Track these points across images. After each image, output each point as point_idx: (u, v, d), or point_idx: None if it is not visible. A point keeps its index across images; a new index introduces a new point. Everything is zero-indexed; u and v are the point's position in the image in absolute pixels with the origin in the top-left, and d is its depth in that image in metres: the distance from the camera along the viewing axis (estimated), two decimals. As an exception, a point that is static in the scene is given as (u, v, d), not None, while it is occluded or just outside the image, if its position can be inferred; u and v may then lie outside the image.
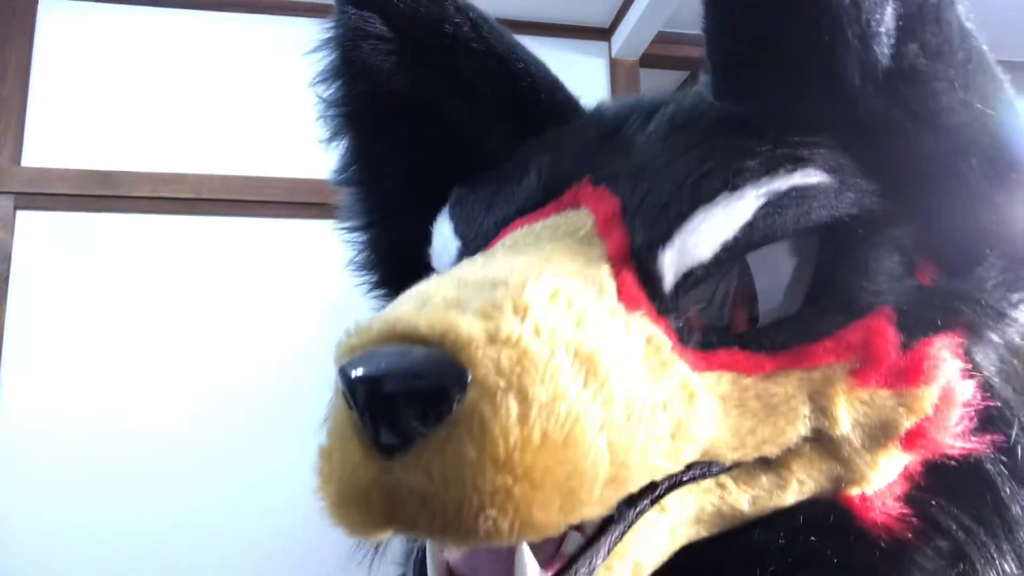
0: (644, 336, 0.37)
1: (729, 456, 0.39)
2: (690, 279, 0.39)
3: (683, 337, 0.39)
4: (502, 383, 0.31)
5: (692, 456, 0.38)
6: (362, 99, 0.54)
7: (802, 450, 0.41)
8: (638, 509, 0.38)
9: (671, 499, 0.39)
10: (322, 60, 0.53)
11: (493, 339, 0.32)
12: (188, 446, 1.73)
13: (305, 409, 1.92)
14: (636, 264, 0.39)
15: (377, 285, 0.61)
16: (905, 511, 0.42)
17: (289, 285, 1.83)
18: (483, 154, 0.54)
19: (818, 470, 0.41)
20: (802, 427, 0.40)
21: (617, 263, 0.39)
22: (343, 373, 0.32)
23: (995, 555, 0.42)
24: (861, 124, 0.42)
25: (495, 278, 0.35)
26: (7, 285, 1.73)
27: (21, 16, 1.85)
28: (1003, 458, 0.43)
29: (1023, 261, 0.45)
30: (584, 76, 2.07)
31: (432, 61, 0.53)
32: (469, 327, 0.31)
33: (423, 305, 0.34)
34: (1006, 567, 0.42)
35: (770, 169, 0.40)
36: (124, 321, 1.76)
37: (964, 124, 0.42)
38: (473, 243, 0.47)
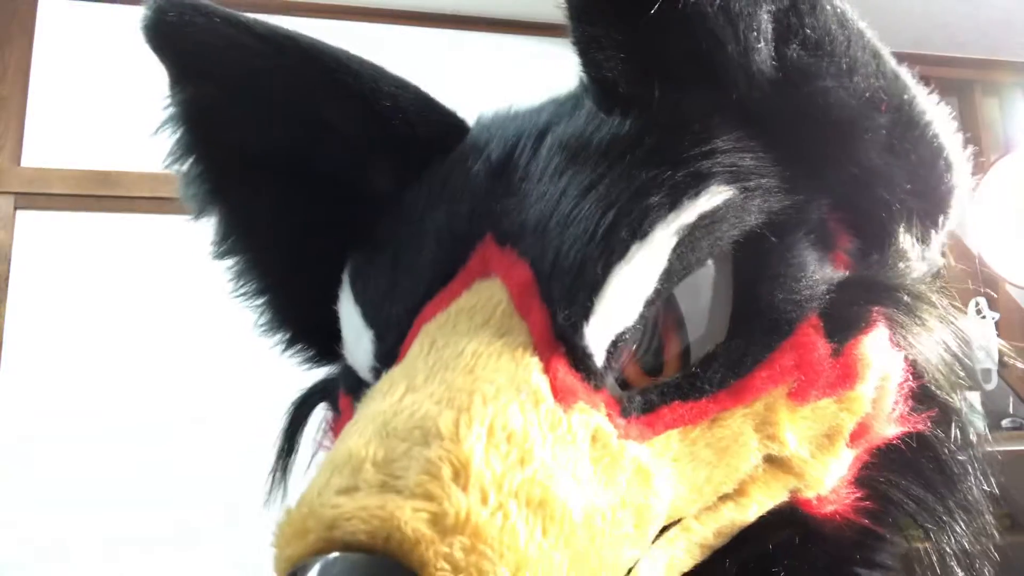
0: (589, 435, 0.36)
1: (691, 510, 0.39)
2: (619, 344, 0.38)
3: (624, 407, 0.38)
4: None
5: (657, 529, 0.38)
6: (222, 170, 0.51)
7: (756, 474, 0.41)
8: None
9: (642, 565, 0.38)
10: (168, 139, 0.50)
11: (442, 529, 0.30)
12: (188, 446, 1.73)
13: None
14: (564, 347, 0.37)
15: (291, 343, 0.58)
16: (858, 494, 0.43)
17: (289, 285, 1.83)
18: (370, 198, 0.51)
19: (774, 487, 0.41)
20: (753, 458, 0.40)
21: (544, 350, 0.37)
22: None
23: (945, 518, 0.43)
24: (755, 122, 0.42)
25: (424, 425, 0.33)
26: (7, 285, 1.73)
27: (21, 16, 1.86)
28: (939, 429, 0.44)
29: (928, 234, 0.46)
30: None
31: (287, 116, 0.50)
32: (412, 523, 0.29)
33: (355, 484, 0.31)
34: (957, 528, 0.43)
35: (675, 201, 0.38)
36: (124, 321, 1.77)
37: (855, 113, 0.42)
38: (387, 337, 0.44)
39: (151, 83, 1.68)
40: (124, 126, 1.84)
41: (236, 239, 0.54)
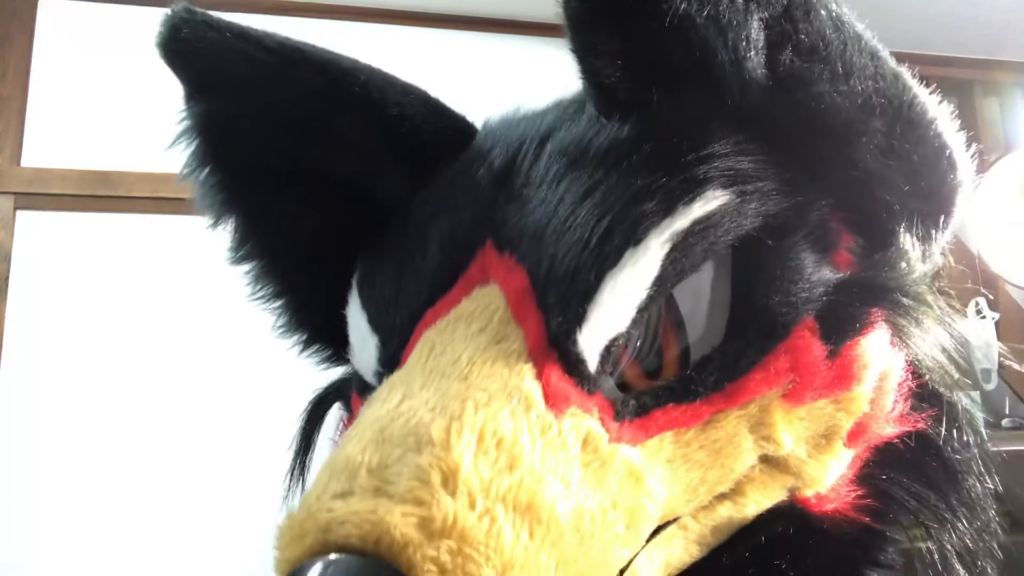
0: (580, 439, 0.36)
1: (685, 509, 0.40)
2: (613, 349, 0.39)
3: (618, 411, 0.38)
4: None
5: (651, 529, 0.38)
6: (236, 180, 0.52)
7: (753, 474, 0.41)
8: None
9: (639, 562, 0.39)
10: (185, 150, 0.52)
11: (429, 532, 0.31)
12: (188, 446, 1.73)
13: (303, 407, 1.92)
14: (557, 353, 0.38)
15: (307, 344, 0.59)
16: (859, 492, 0.43)
17: (289, 285, 1.83)
18: (380, 205, 0.52)
19: (772, 487, 0.42)
20: (748, 459, 0.40)
21: (538, 356, 0.38)
22: None
23: (947, 516, 0.43)
24: (753, 126, 0.42)
25: (418, 432, 0.34)
26: (7, 285, 1.73)
27: (21, 16, 1.86)
28: (939, 428, 0.44)
29: (929, 234, 0.46)
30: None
31: (297, 127, 0.51)
32: (402, 526, 0.31)
33: (350, 489, 0.33)
34: (959, 525, 0.43)
35: (669, 208, 0.39)
36: (124, 321, 1.77)
37: (852, 116, 0.42)
38: (391, 343, 0.45)
39: (151, 83, 1.67)
40: (124, 126, 1.84)
41: (252, 245, 0.55)
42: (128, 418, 1.73)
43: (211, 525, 1.71)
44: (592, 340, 0.38)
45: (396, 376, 0.40)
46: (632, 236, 0.38)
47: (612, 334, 0.38)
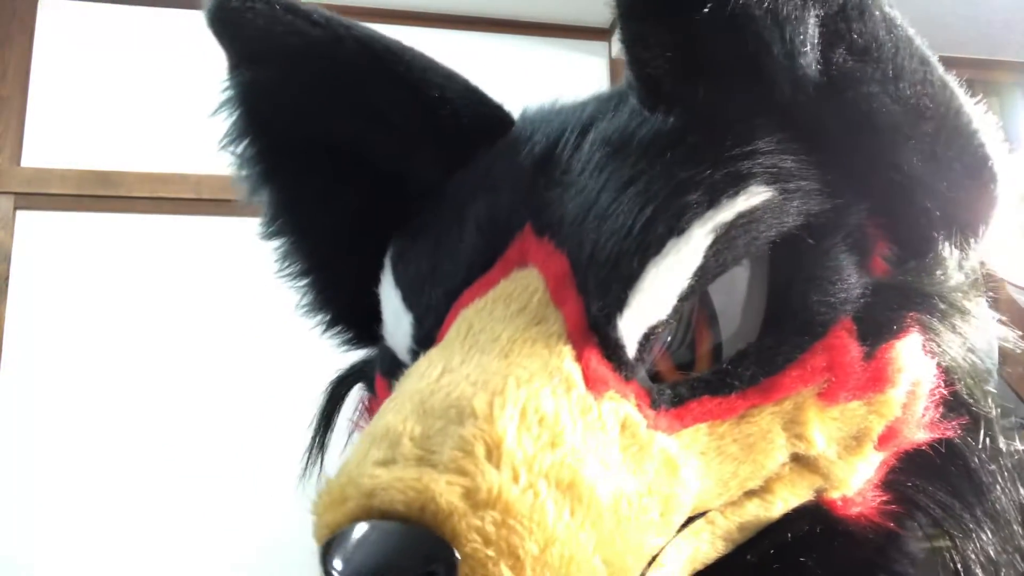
0: (619, 423, 0.37)
1: (716, 503, 0.40)
2: (652, 337, 0.39)
3: (654, 399, 0.38)
4: (491, 552, 0.30)
5: (682, 519, 0.38)
6: (274, 153, 0.53)
7: (782, 472, 0.41)
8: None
9: (666, 554, 0.39)
10: (225, 121, 0.52)
11: (474, 503, 0.31)
12: (187, 446, 1.73)
13: (304, 409, 1.92)
14: (597, 337, 0.38)
15: (331, 324, 0.60)
16: (884, 497, 0.43)
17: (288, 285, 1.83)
18: (414, 186, 0.53)
19: (800, 487, 0.42)
20: (780, 456, 0.40)
21: (577, 339, 0.38)
22: (327, 569, 0.31)
23: (972, 526, 0.43)
24: (797, 125, 0.42)
25: (460, 404, 0.34)
26: (7, 285, 1.73)
27: (21, 16, 1.86)
28: (969, 436, 0.44)
29: (968, 242, 0.45)
30: (584, 76, 2.07)
31: (340, 103, 0.51)
32: (447, 496, 0.31)
33: (392, 457, 0.33)
34: (983, 536, 0.43)
35: (713, 200, 0.39)
36: (124, 321, 1.76)
37: (900, 120, 0.42)
38: (426, 321, 0.46)
39: (151, 83, 1.68)
40: (124, 126, 1.84)
41: (284, 220, 0.56)
42: (128, 418, 1.72)
43: (211, 524, 1.71)
44: (632, 326, 0.38)
45: (434, 351, 0.41)
46: (676, 225, 0.38)
47: (652, 321, 0.39)
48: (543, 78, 1.94)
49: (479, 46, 2.12)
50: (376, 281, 0.51)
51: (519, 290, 0.41)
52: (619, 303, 0.38)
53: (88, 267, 1.78)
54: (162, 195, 1.82)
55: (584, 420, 0.36)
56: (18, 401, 1.70)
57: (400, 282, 0.49)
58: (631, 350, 0.38)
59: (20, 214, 1.78)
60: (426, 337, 0.45)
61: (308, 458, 0.59)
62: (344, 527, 0.32)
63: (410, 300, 0.47)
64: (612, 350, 0.38)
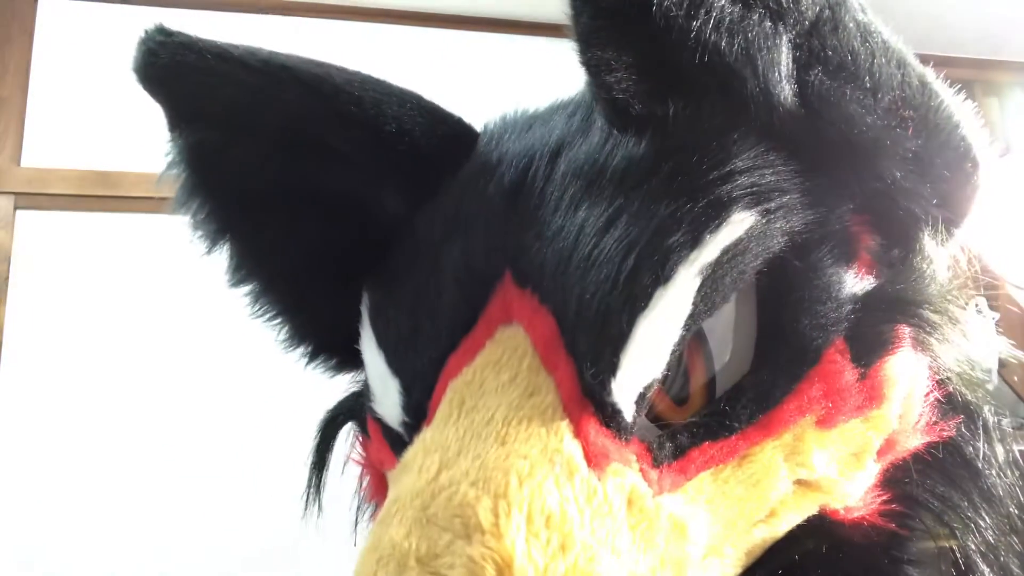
0: (625, 500, 0.36)
1: (726, 544, 0.39)
2: (647, 395, 0.38)
3: (656, 456, 0.37)
4: None
5: (698, 574, 0.38)
6: (228, 207, 0.51)
7: (786, 497, 0.41)
8: None
9: None
10: (174, 183, 0.50)
11: None
12: (187, 446, 1.73)
13: (304, 408, 1.92)
14: (592, 405, 0.37)
15: (313, 355, 0.58)
16: (884, 496, 0.43)
17: (289, 285, 1.83)
18: (382, 218, 0.51)
19: (804, 506, 0.42)
20: (783, 485, 0.40)
21: (573, 410, 0.37)
22: None
23: (970, 514, 0.42)
24: (775, 137, 0.41)
25: (464, 514, 0.34)
26: (7, 285, 1.73)
27: (21, 16, 1.86)
28: (965, 430, 0.44)
29: (956, 243, 0.45)
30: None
31: (292, 149, 0.49)
32: None
33: None
34: (981, 523, 0.42)
35: (696, 238, 0.37)
36: (124, 321, 1.76)
37: (879, 134, 0.41)
38: (414, 390, 0.44)
39: (151, 83, 1.63)
40: (124, 126, 1.84)
41: (248, 268, 0.54)
42: (128, 418, 1.72)
43: (211, 524, 1.71)
44: (627, 388, 0.37)
45: (429, 436, 0.39)
46: (661, 274, 0.37)
47: (647, 380, 0.37)
48: (543, 78, 1.94)
49: (479, 46, 2.12)
50: (353, 312, 0.50)
51: (507, 355, 0.40)
52: (611, 367, 0.37)
53: (88, 267, 1.78)
54: (162, 195, 1.81)
55: (591, 507, 0.35)
56: (18, 401, 1.70)
57: (382, 343, 0.47)
58: (628, 413, 0.37)
59: (20, 214, 1.78)
60: (416, 409, 0.43)
61: (307, 499, 0.59)
62: None
63: (395, 365, 0.46)
64: (610, 417, 0.37)
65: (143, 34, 0.46)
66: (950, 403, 0.44)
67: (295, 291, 0.54)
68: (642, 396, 0.37)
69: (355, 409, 0.58)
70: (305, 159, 0.50)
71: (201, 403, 1.76)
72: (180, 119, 0.48)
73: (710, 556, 0.39)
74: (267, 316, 0.56)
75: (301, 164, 0.50)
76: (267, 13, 1.92)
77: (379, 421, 0.48)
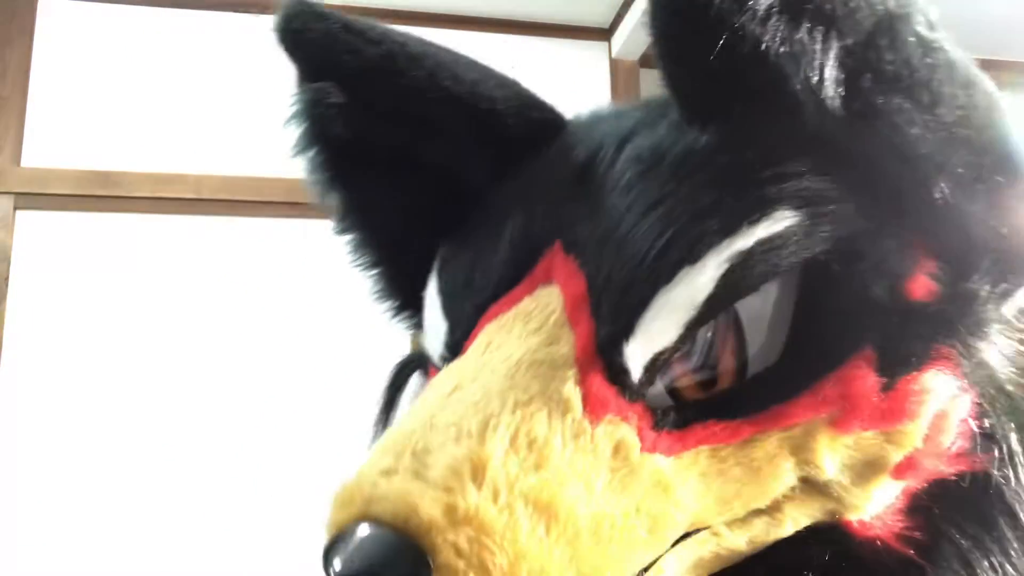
0: (611, 446, 0.38)
1: (717, 520, 0.40)
2: (658, 362, 0.40)
3: (657, 421, 0.39)
4: (462, 564, 0.33)
5: (676, 535, 0.39)
6: (340, 161, 0.56)
7: (792, 494, 0.41)
8: None
9: (666, 561, 0.40)
10: (294, 132, 0.56)
11: (453, 519, 0.34)
12: (187, 446, 1.74)
13: (303, 408, 1.93)
14: (603, 361, 0.40)
15: (399, 310, 0.64)
16: (907, 524, 0.42)
17: (288, 285, 1.83)
18: (468, 189, 0.56)
19: (811, 508, 0.42)
20: (788, 479, 0.40)
21: (583, 362, 0.40)
22: (326, 564, 0.35)
23: (1001, 560, 0.42)
24: (829, 147, 0.41)
25: (460, 424, 0.38)
26: (7, 285, 1.73)
27: (21, 16, 1.86)
28: (1001, 469, 0.43)
29: (1012, 272, 0.44)
30: (584, 76, 2.07)
31: (397, 116, 0.54)
32: (429, 510, 0.34)
33: (395, 467, 0.36)
34: (1009, 570, 0.42)
35: (732, 227, 0.39)
36: (124, 321, 1.77)
37: (933, 148, 0.40)
38: (457, 330, 0.49)
39: (151, 83, 1.68)
40: (124, 126, 1.84)
41: (353, 218, 0.60)
42: (128, 418, 1.73)
43: (211, 523, 1.71)
44: (638, 352, 0.39)
45: (454, 365, 0.44)
46: (689, 254, 0.39)
47: (658, 348, 0.39)
48: (543, 78, 1.94)
49: (479, 46, 2.12)
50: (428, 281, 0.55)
51: (539, 308, 0.43)
52: (626, 330, 0.40)
53: (88, 267, 1.78)
54: (162, 195, 1.82)
55: (575, 444, 0.38)
56: (18, 401, 1.70)
57: (441, 290, 0.52)
58: (636, 374, 0.39)
59: (20, 214, 1.78)
60: (455, 346, 0.48)
61: (374, 436, 0.63)
62: (346, 528, 0.35)
63: (447, 309, 0.50)
64: (617, 374, 0.39)
65: (285, 2, 0.53)
66: (989, 436, 0.43)
67: (389, 245, 0.60)
68: (652, 362, 0.40)
69: (423, 359, 0.64)
70: (407, 128, 0.55)
71: (201, 403, 1.76)
72: (306, 76, 0.55)
73: (700, 527, 0.40)
74: (364, 266, 0.62)
75: (404, 131, 0.55)
76: (267, 13, 1.91)
77: (436, 367, 0.53)
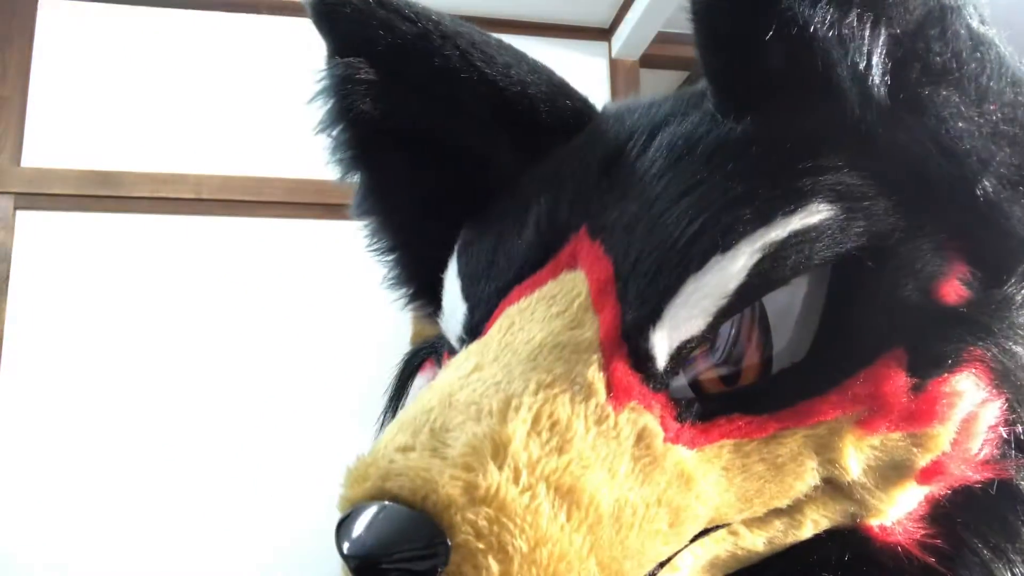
0: (634, 434, 0.37)
1: (737, 517, 0.39)
2: (684, 351, 0.39)
3: (681, 412, 0.39)
4: (481, 545, 0.32)
5: (696, 530, 0.38)
6: (364, 140, 0.56)
7: (814, 494, 0.40)
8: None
9: (682, 558, 0.39)
10: (320, 108, 0.55)
11: (472, 498, 0.33)
12: (187, 446, 1.73)
13: (303, 407, 1.93)
14: (628, 347, 0.39)
15: (413, 298, 0.63)
16: (929, 531, 0.41)
17: (289, 285, 1.83)
18: (494, 174, 0.55)
19: (832, 510, 0.41)
20: (811, 479, 0.40)
21: (608, 348, 0.39)
22: (339, 540, 0.34)
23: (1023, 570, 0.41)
24: (869, 142, 0.40)
25: (480, 403, 0.37)
26: (7, 285, 1.73)
27: (21, 16, 1.86)
28: None
29: None
30: (584, 76, 2.06)
31: (426, 95, 0.54)
32: (448, 488, 0.33)
33: (412, 444, 0.35)
34: None
35: (766, 216, 0.38)
36: (124, 321, 1.77)
37: (978, 144, 0.39)
38: (477, 312, 0.48)
39: (151, 83, 1.68)
40: (124, 126, 1.84)
41: (372, 201, 0.59)
42: (128, 418, 1.72)
43: (212, 523, 1.71)
44: (664, 339, 0.39)
45: (474, 345, 0.43)
46: (722, 241, 0.38)
47: (686, 336, 0.39)
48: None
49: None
50: (447, 265, 0.54)
51: (563, 292, 0.42)
52: (653, 315, 0.39)
53: (88, 267, 1.78)
54: (162, 195, 1.82)
55: (598, 428, 0.37)
56: (18, 401, 1.70)
57: (462, 273, 0.51)
58: (661, 362, 0.39)
59: (20, 214, 1.78)
60: (474, 328, 0.47)
61: (382, 423, 0.63)
62: (360, 504, 0.34)
63: (467, 291, 0.50)
64: (642, 361, 0.39)
65: None
66: (1019, 444, 0.42)
67: (408, 229, 0.60)
68: (678, 351, 0.39)
69: (436, 347, 0.64)
70: (436, 108, 0.54)
71: (201, 403, 1.76)
72: (337, 51, 0.53)
73: (719, 524, 0.39)
74: (381, 251, 0.61)
75: (432, 112, 0.54)
76: (267, 13, 1.92)
77: (452, 350, 0.52)
